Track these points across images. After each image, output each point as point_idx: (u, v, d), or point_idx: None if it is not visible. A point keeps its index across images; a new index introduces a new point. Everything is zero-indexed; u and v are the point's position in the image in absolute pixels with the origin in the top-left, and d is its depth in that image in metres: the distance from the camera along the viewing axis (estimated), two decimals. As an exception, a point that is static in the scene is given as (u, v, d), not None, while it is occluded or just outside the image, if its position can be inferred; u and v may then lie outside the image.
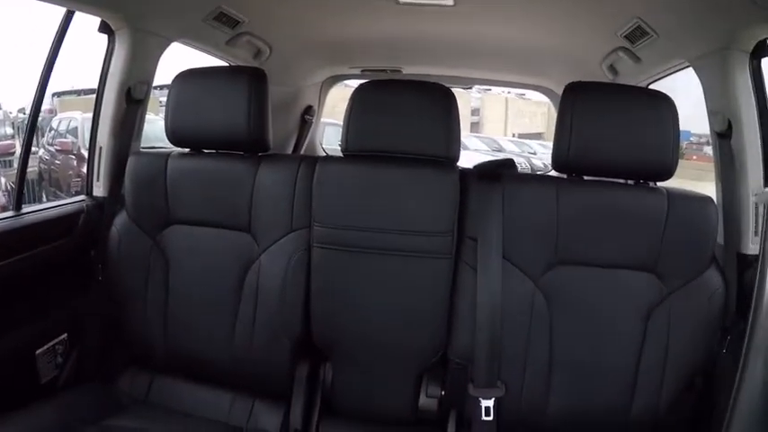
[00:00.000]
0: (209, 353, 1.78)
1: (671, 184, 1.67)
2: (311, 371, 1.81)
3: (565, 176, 1.70)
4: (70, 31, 1.81)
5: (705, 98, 1.81)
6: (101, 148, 1.95)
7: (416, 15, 2.24)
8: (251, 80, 1.75)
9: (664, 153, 1.58)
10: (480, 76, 3.27)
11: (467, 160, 1.89)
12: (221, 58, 2.50)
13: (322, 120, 3.58)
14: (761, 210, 1.67)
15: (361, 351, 1.76)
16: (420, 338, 1.73)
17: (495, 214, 1.62)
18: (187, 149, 1.83)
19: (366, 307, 1.72)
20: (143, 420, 1.66)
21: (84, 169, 2.04)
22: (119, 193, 1.88)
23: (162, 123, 1.81)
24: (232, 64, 2.54)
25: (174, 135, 1.79)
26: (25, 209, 1.78)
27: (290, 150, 3.28)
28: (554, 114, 2.00)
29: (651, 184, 1.68)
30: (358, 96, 1.72)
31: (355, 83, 1.80)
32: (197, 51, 2.38)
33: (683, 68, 2.09)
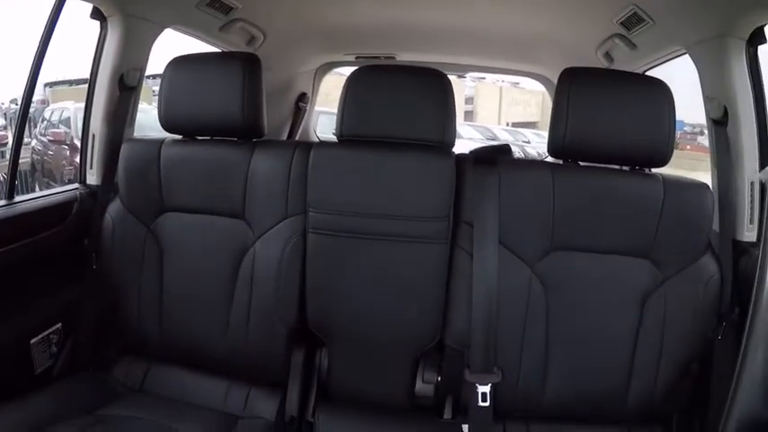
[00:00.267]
0: (205, 341, 1.78)
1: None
2: (307, 357, 1.81)
3: (561, 162, 1.69)
4: (62, 19, 1.79)
5: (701, 85, 1.80)
6: (94, 135, 1.93)
7: (411, 1, 2.23)
8: (245, 66, 1.74)
9: (660, 139, 1.58)
10: (475, 62, 3.26)
11: (461, 148, 1.88)
12: (214, 44, 2.48)
13: (316, 108, 3.56)
14: (756, 196, 1.67)
15: (357, 337, 1.76)
16: (416, 324, 1.72)
17: (491, 199, 1.62)
18: (181, 136, 1.82)
19: (362, 292, 1.72)
20: (138, 409, 1.66)
21: (78, 159, 2.02)
22: (112, 181, 1.87)
23: (155, 113, 1.80)
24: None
25: (167, 122, 1.78)
26: (18, 198, 1.76)
27: (283, 138, 3.26)
28: (548, 103, 2.00)
29: (647, 170, 1.68)
30: (353, 81, 1.71)
31: (348, 71, 1.78)
32: (190, 38, 2.36)
33: (678, 56, 2.09)
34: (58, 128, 7.93)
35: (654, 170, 1.69)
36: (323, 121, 4.33)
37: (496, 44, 2.83)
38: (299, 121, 3.26)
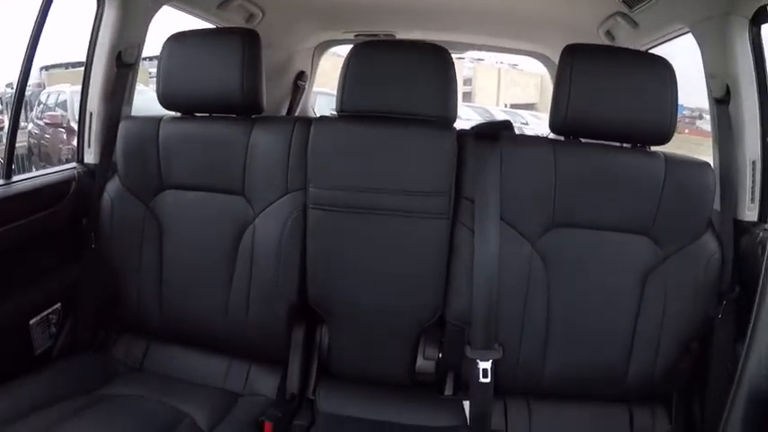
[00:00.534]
0: (205, 319, 1.78)
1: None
2: (307, 334, 1.80)
3: (562, 139, 1.69)
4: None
5: (703, 64, 1.79)
6: (91, 113, 1.92)
7: None
8: (244, 41, 1.72)
9: (662, 116, 1.57)
10: (475, 41, 3.24)
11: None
12: (212, 22, 2.46)
13: (314, 89, 3.54)
14: (758, 176, 1.67)
15: (358, 313, 1.75)
16: (417, 300, 1.72)
17: (492, 175, 1.61)
18: (179, 113, 1.81)
19: (362, 268, 1.71)
20: (138, 388, 1.67)
21: (75, 142, 2.00)
22: (110, 160, 1.85)
23: (152, 94, 1.78)
24: (224, 29, 2.49)
25: (165, 99, 1.76)
26: (15, 178, 1.75)
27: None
28: (547, 85, 1.99)
29: (648, 148, 1.67)
30: (354, 56, 1.69)
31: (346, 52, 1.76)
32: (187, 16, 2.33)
33: (681, 34, 2.07)
34: (54, 111, 7.89)
35: (655, 149, 1.68)
36: (321, 102, 4.31)
37: (497, 22, 2.81)
38: (297, 99, 3.24)
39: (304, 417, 1.69)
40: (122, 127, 1.80)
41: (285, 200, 1.71)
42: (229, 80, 1.71)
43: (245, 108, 1.76)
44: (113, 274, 1.82)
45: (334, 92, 1.74)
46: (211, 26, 2.45)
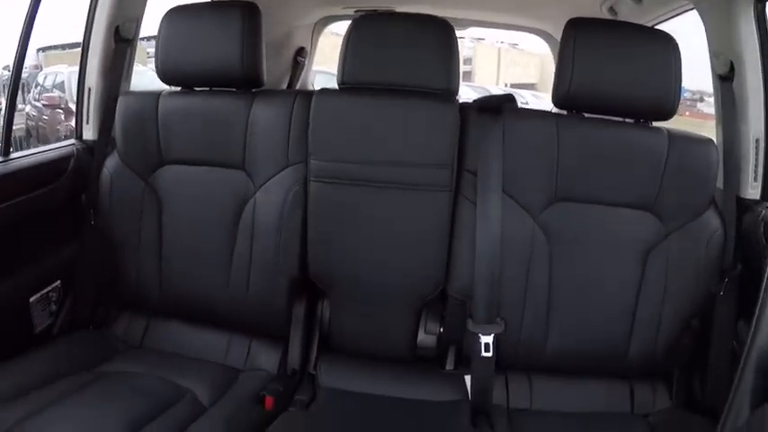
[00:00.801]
0: (205, 295, 1.77)
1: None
2: (309, 309, 1.80)
3: (565, 113, 1.68)
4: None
5: (708, 41, 1.78)
6: (89, 89, 1.90)
7: None
8: (244, 13, 1.70)
9: (665, 92, 1.57)
10: (475, 17, 3.21)
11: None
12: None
13: (314, 68, 3.52)
14: (761, 154, 1.66)
15: (359, 287, 1.75)
16: (418, 273, 1.72)
17: (495, 148, 1.60)
18: (179, 88, 1.79)
19: (364, 241, 1.71)
20: (139, 364, 1.66)
21: (73, 123, 1.99)
22: (109, 136, 1.84)
23: (151, 74, 1.77)
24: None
25: (165, 73, 1.74)
26: (13, 155, 1.73)
27: None
28: (547, 66, 1.97)
29: (651, 124, 1.66)
30: (355, 29, 1.68)
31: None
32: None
33: (685, 11, 2.06)
34: (52, 92, 7.87)
35: (658, 125, 1.67)
36: (320, 81, 4.28)
37: None
38: (297, 75, 3.22)
39: (305, 391, 1.68)
40: (121, 102, 1.78)
41: (286, 173, 1.70)
42: (229, 53, 1.69)
43: (246, 82, 1.74)
44: (113, 251, 1.81)
45: (334, 71, 1.72)
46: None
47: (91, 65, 1.89)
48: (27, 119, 8.31)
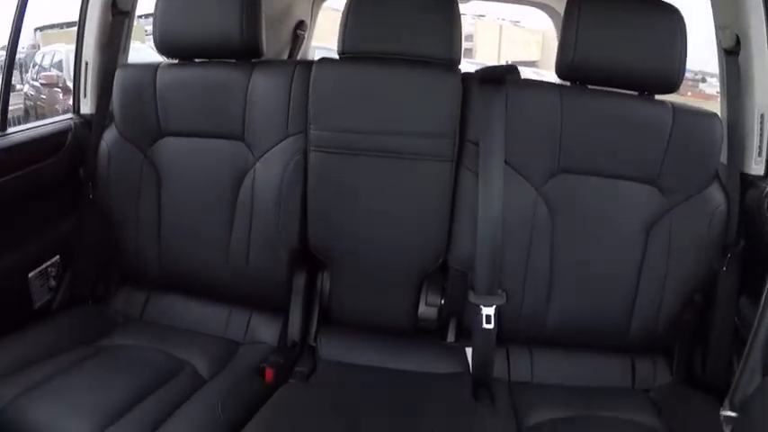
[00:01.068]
0: (205, 268, 1.77)
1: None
2: (309, 281, 1.79)
3: (568, 84, 1.66)
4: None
5: (713, 14, 1.75)
6: (87, 63, 1.88)
7: None
8: None
9: (670, 64, 1.55)
10: None
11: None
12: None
13: (313, 44, 3.48)
14: (766, 130, 1.64)
15: (360, 258, 1.74)
16: (419, 244, 1.71)
17: (497, 118, 1.59)
18: (177, 60, 1.78)
19: (364, 211, 1.69)
20: (139, 338, 1.67)
21: (71, 101, 1.97)
22: (107, 109, 1.83)
23: (150, 51, 1.74)
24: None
25: (163, 45, 1.73)
26: (10, 129, 1.72)
27: None
28: (549, 43, 1.95)
29: (655, 96, 1.64)
30: None
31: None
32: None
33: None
34: (49, 71, 7.84)
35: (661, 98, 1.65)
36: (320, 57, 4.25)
37: None
38: (297, 49, 3.19)
39: (305, 363, 1.68)
40: (118, 75, 1.77)
41: (286, 143, 1.69)
42: (228, 23, 1.67)
43: (245, 52, 1.72)
44: (111, 225, 1.80)
45: (333, 46, 1.70)
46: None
47: (88, 38, 1.87)
48: (25, 98, 8.28)
